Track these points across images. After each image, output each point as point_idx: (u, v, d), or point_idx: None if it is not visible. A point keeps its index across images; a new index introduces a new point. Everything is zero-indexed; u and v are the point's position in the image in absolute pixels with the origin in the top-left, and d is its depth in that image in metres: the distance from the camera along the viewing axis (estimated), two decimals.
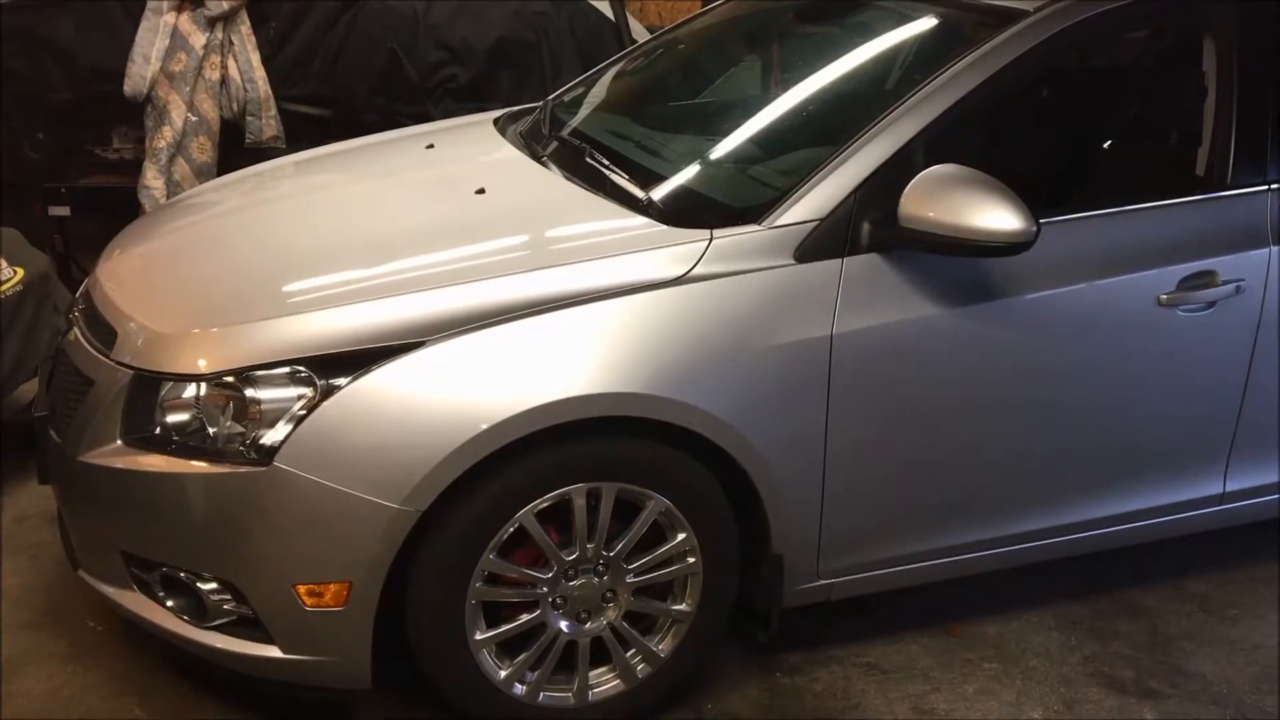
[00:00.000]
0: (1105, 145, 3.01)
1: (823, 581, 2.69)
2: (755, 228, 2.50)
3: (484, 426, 2.23)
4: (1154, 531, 2.99)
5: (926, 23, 2.99)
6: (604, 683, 2.57)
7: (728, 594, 2.60)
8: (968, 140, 2.69)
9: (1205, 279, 2.76)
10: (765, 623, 2.66)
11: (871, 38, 3.08)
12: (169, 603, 2.46)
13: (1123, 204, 2.75)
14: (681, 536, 2.49)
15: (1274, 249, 2.81)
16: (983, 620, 3.00)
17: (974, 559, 2.84)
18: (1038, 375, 2.70)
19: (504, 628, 2.44)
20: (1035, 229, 2.39)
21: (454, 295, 2.34)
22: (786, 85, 3.24)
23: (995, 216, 2.38)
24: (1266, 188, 2.83)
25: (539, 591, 2.44)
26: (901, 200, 2.45)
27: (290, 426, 2.25)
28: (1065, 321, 2.69)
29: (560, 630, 2.48)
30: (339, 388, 2.26)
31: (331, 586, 2.30)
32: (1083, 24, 2.73)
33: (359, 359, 2.28)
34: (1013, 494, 2.81)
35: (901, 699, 2.71)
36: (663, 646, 2.57)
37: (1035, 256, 2.54)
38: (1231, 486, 3.00)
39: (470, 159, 3.28)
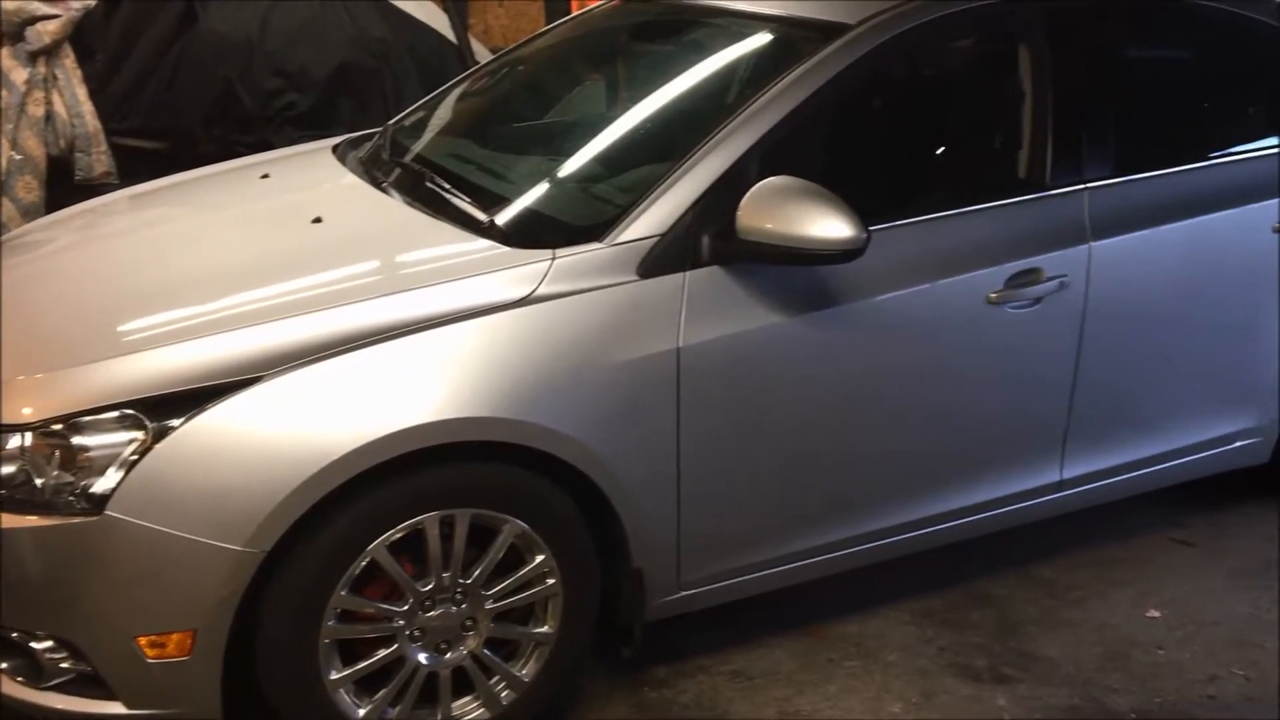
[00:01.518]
0: (934, 152, 3.11)
1: (684, 593, 2.71)
2: (597, 246, 2.51)
3: (326, 461, 2.18)
4: (1000, 521, 3.10)
5: (758, 39, 3.05)
6: (468, 712, 2.53)
7: (590, 612, 2.59)
8: (802, 152, 2.75)
9: (1031, 276, 2.88)
10: (630, 638, 2.66)
11: (707, 55, 3.12)
12: (1, 664, 2.33)
13: (951, 208, 2.85)
14: (540, 558, 2.48)
15: (1092, 244, 2.95)
16: (843, 620, 3.06)
17: (832, 559, 2.89)
18: (879, 377, 2.77)
19: (360, 665, 2.38)
20: (865, 236, 2.46)
21: (289, 328, 2.28)
22: (627, 104, 3.27)
23: (827, 225, 2.45)
24: (1083, 186, 2.98)
25: (395, 625, 2.39)
26: (738, 213, 2.49)
27: (121, 473, 2.16)
28: (902, 323, 2.77)
29: (420, 663, 2.44)
30: (172, 429, 2.18)
31: (174, 636, 2.22)
32: (902, 36, 2.83)
33: (193, 398, 2.21)
34: (864, 493, 2.88)
35: (767, 703, 2.75)
36: (526, 671, 2.55)
37: (871, 262, 2.61)
38: (1068, 474, 3.13)
39: (307, 187, 3.21)
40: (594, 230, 2.54)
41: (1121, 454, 3.20)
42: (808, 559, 2.85)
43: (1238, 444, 3.39)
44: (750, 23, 3.13)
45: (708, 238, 2.54)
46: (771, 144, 2.64)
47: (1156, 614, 3.09)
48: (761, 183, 2.50)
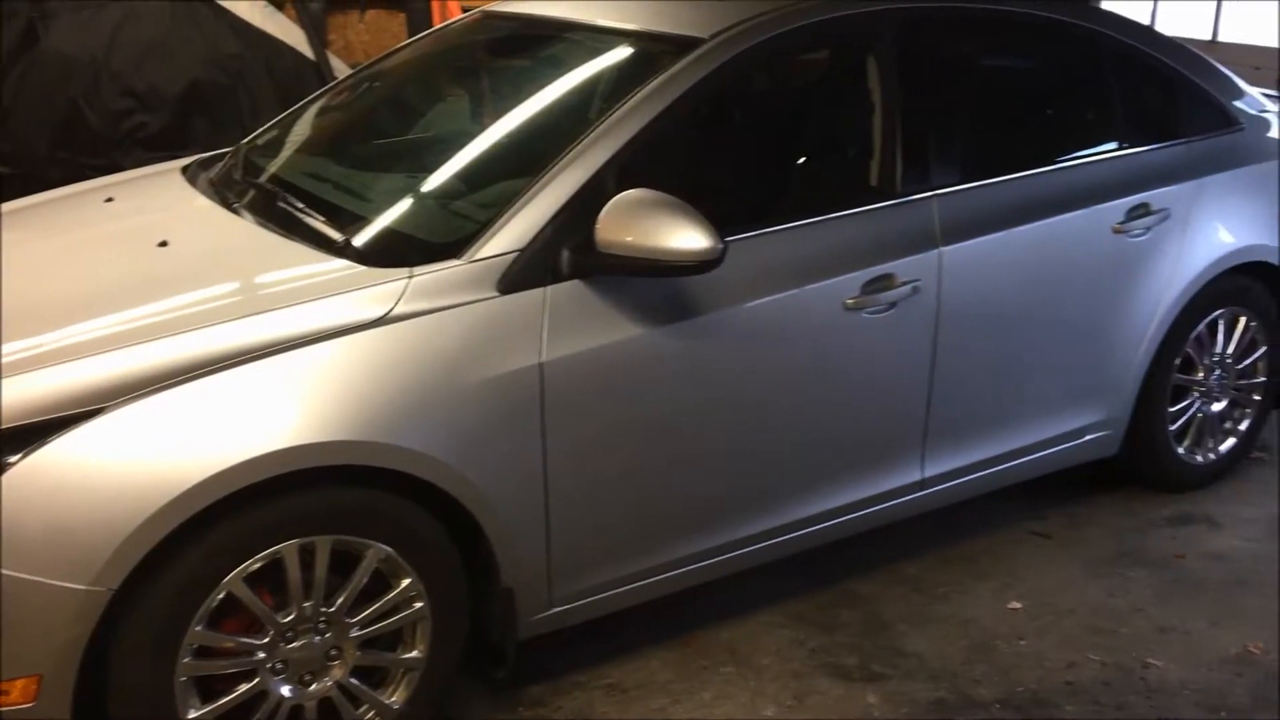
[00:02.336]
0: (790, 162, 3.17)
1: (557, 609, 2.69)
2: (456, 262, 2.48)
3: (175, 493, 2.10)
4: (866, 521, 3.17)
5: (615, 53, 3.07)
6: None
7: (460, 635, 2.56)
8: (661, 164, 2.78)
9: (885, 282, 2.95)
10: (502, 658, 2.63)
11: (565, 69, 3.13)
12: None
13: (807, 216, 2.91)
14: (406, 582, 2.44)
15: (942, 249, 3.04)
16: (717, 626, 3.08)
17: (704, 567, 2.91)
18: (743, 385, 2.81)
19: (220, 702, 2.30)
20: (722, 247, 2.49)
21: (133, 355, 2.20)
22: (486, 119, 3.27)
23: (684, 237, 2.47)
24: (932, 193, 3.07)
25: (256, 658, 2.32)
26: (597, 227, 2.50)
27: None
28: (764, 331, 2.81)
29: (283, 696, 2.37)
30: (9, 465, 2.08)
31: (18, 683, 2.11)
32: (754, 49, 2.88)
33: (31, 433, 2.11)
34: (733, 501, 2.90)
35: (643, 715, 2.75)
36: (396, 698, 2.50)
37: (732, 271, 2.65)
38: (929, 472, 3.22)
39: (154, 210, 3.10)
40: (452, 247, 2.52)
41: (979, 451, 3.30)
42: (680, 568, 2.87)
43: (1088, 438, 3.53)
44: (607, 37, 3.15)
45: (568, 252, 2.54)
46: (629, 157, 2.65)
47: (1018, 605, 3.20)
48: (619, 196, 2.51)
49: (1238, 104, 3.74)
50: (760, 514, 2.95)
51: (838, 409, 3.00)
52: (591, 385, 2.57)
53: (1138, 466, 3.72)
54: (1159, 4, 5.93)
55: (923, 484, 3.22)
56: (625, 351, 2.60)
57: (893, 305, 2.96)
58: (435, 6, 5.91)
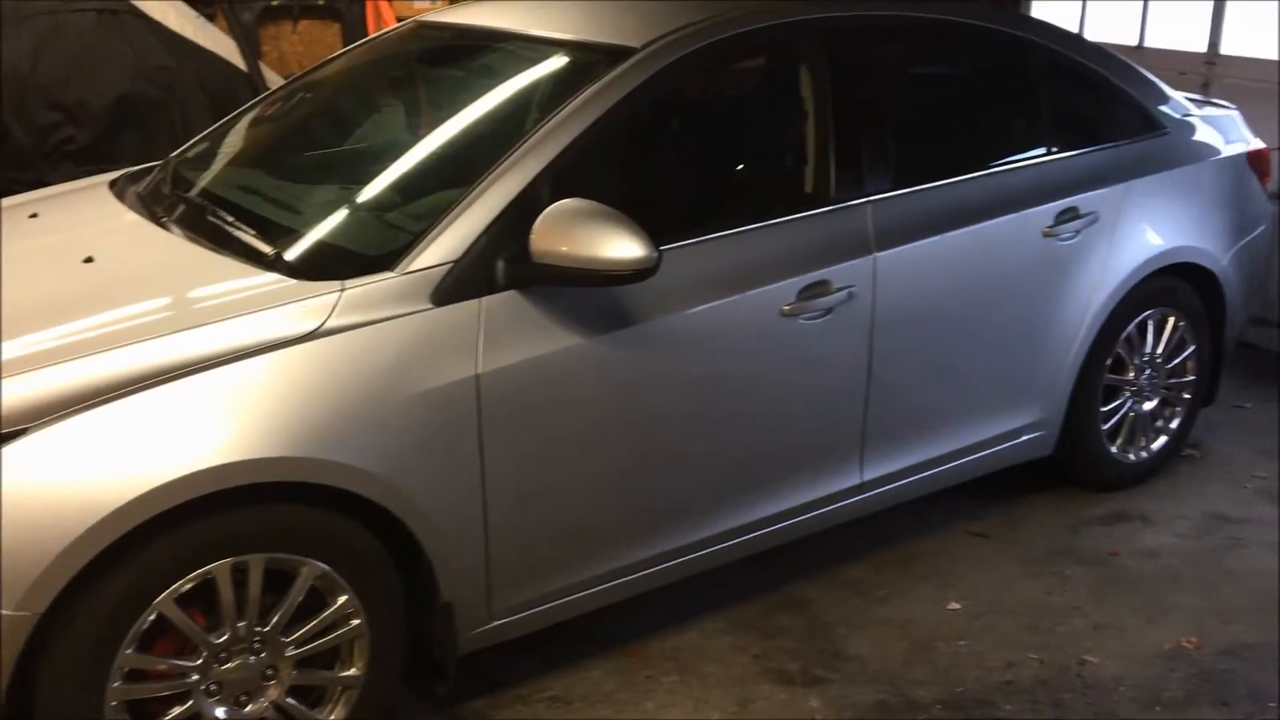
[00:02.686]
0: (725, 170, 3.18)
1: (498, 622, 2.67)
2: (389, 275, 2.46)
3: (102, 514, 2.06)
4: (807, 526, 3.18)
5: (549, 63, 3.06)
6: None
7: (398, 651, 2.53)
8: (596, 173, 2.78)
9: (821, 288, 2.97)
10: (443, 673, 2.61)
11: (499, 79, 3.12)
12: None
13: (743, 224, 2.92)
14: (343, 599, 2.41)
15: (876, 255, 3.07)
16: (660, 635, 3.07)
17: (646, 576, 2.91)
18: (682, 393, 2.81)
19: None
20: (657, 256, 2.49)
21: (57, 374, 2.16)
22: (419, 129, 3.25)
23: (619, 246, 2.47)
24: (866, 200, 3.09)
25: (189, 681, 2.28)
26: (531, 237, 2.49)
27: None
28: (701, 339, 2.81)
29: (218, 718, 2.33)
30: None
31: None
32: (687, 58, 2.89)
33: None
34: (674, 509, 2.90)
35: None
36: (334, 716, 2.47)
37: (670, 279, 2.66)
38: (868, 476, 3.24)
39: (80, 226, 3.04)
40: (385, 259, 2.50)
41: (917, 454, 3.33)
42: (622, 578, 2.86)
43: (1024, 438, 3.58)
44: (541, 47, 3.14)
45: (503, 262, 2.53)
46: (563, 167, 2.65)
47: (957, 606, 3.23)
48: (553, 206, 2.50)
49: (1163, 109, 3.82)
50: (701, 521, 2.96)
51: (776, 415, 3.01)
52: (529, 396, 2.56)
53: (1073, 466, 3.78)
54: (1088, 9, 6.03)
55: (862, 487, 3.24)
56: (562, 362, 2.59)
57: (829, 311, 2.98)
58: (370, 16, 5.86)
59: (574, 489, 2.69)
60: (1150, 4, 5.65)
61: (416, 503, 2.43)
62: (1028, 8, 6.42)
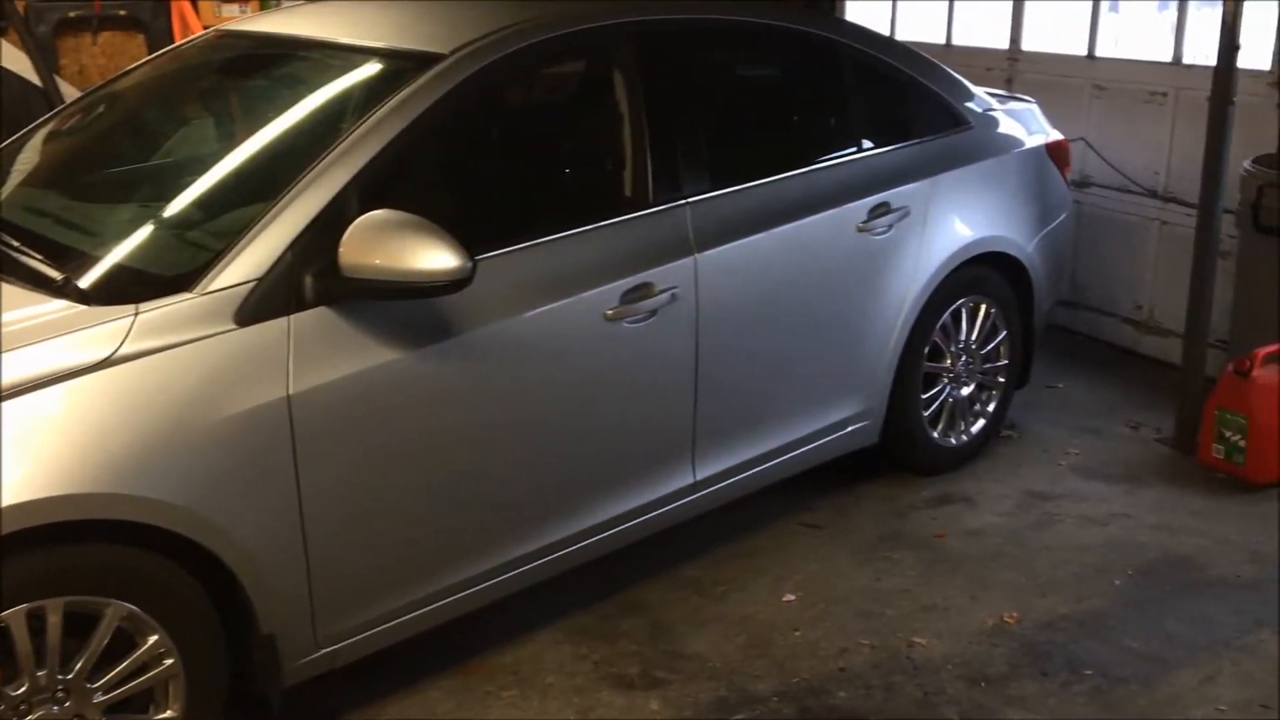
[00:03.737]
0: (543, 176, 3.16)
1: (325, 650, 2.58)
2: (187, 296, 2.35)
3: None
4: (643, 529, 3.18)
5: (356, 71, 2.98)
6: None
7: (219, 688, 2.42)
8: (408, 183, 2.72)
9: (644, 291, 2.97)
10: (269, 707, 2.51)
11: (305, 89, 3.04)
12: None
13: (563, 230, 2.90)
14: (153, 639, 2.29)
15: (697, 256, 3.09)
16: (499, 649, 3.03)
17: (481, 590, 2.86)
18: (508, 402, 2.78)
19: None
20: (471, 265, 2.45)
21: None
22: (221, 142, 3.13)
23: (431, 257, 2.41)
24: (684, 201, 3.11)
25: None
26: (340, 250, 2.41)
27: None
28: (526, 347, 2.79)
29: None
30: None
31: None
32: (497, 64, 2.86)
33: None
34: (506, 520, 2.86)
35: None
36: None
37: (490, 288, 2.64)
38: (701, 475, 3.26)
39: None
40: (184, 280, 2.39)
41: (748, 450, 3.37)
42: (456, 594, 2.80)
43: (850, 429, 3.67)
44: (348, 55, 3.06)
45: (311, 278, 2.45)
46: (372, 177, 2.58)
47: (792, 597, 3.28)
48: (361, 217, 2.44)
49: (968, 104, 3.97)
50: (535, 531, 2.93)
51: (605, 420, 3.00)
52: (345, 415, 2.48)
53: (898, 453, 3.89)
54: (898, 10, 6.23)
55: (695, 487, 3.26)
56: (380, 378, 2.52)
57: (653, 313, 2.99)
58: (177, 26, 5.63)
59: (399, 508, 2.63)
60: (956, 5, 5.88)
61: (228, 532, 2.32)
62: (842, 9, 6.61)
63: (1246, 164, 4.18)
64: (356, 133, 2.61)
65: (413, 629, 2.75)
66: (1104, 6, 5.17)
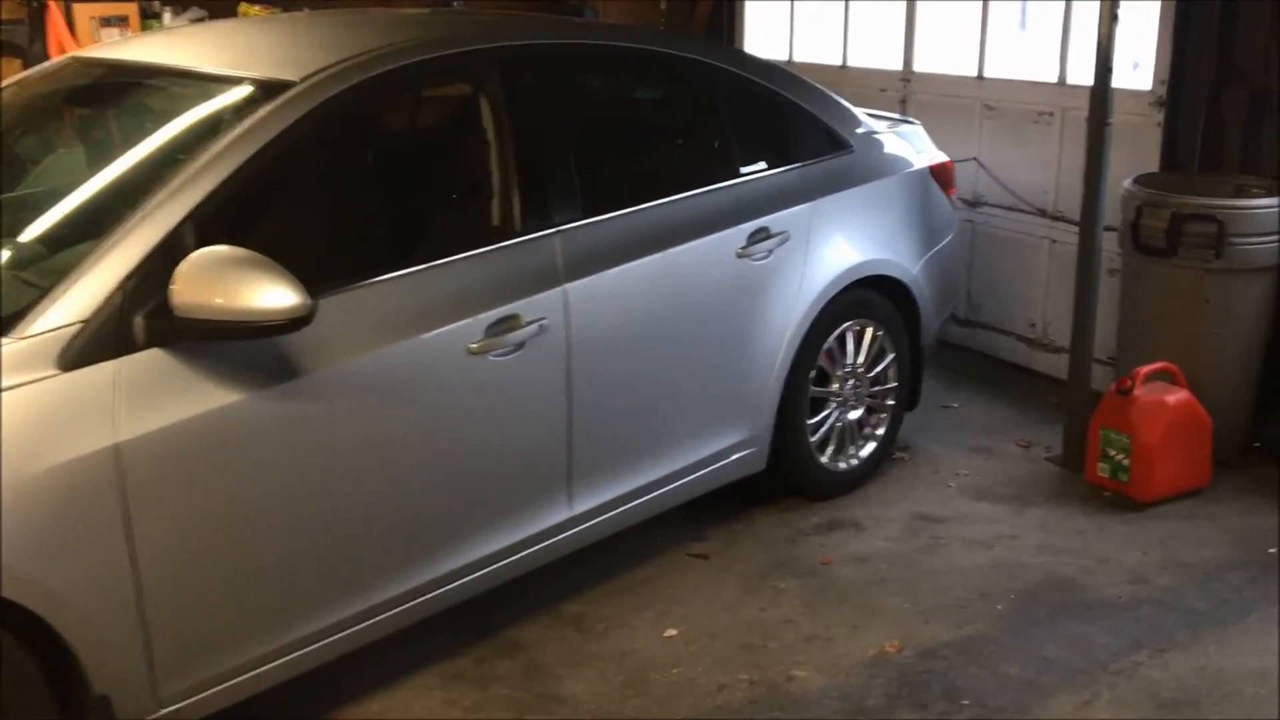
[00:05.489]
0: (404, 206, 3.07)
1: (168, 709, 2.45)
2: (3, 341, 2.22)
3: None
4: (518, 566, 3.09)
5: (202, 99, 2.86)
6: None
7: None
8: (251, 217, 2.61)
9: (510, 323, 2.89)
10: None
11: (152, 118, 2.92)
12: None
13: (423, 262, 2.81)
14: None
15: (567, 286, 3.02)
16: (366, 698, 2.92)
17: (344, 638, 2.75)
18: (366, 442, 2.67)
19: None
20: (311, 303, 2.35)
21: None
22: (65, 175, 2.98)
23: (269, 294, 2.31)
24: (554, 230, 3.04)
25: None
26: (171, 289, 2.30)
27: None
28: (384, 384, 2.69)
29: None
30: None
31: None
32: (350, 91, 2.76)
33: None
34: (367, 564, 2.76)
35: None
36: None
37: (343, 324, 2.55)
38: (579, 509, 3.18)
39: None
40: (4, 323, 2.25)
41: (628, 482, 3.30)
42: (315, 643, 2.69)
43: (735, 456, 3.61)
44: (199, 83, 2.95)
45: (143, 319, 2.33)
46: (213, 211, 2.48)
47: (674, 632, 3.21)
48: (193, 255, 2.33)
49: (848, 127, 3.95)
50: (401, 573, 2.83)
51: (473, 456, 2.91)
52: (182, 463, 2.37)
53: (787, 478, 3.85)
54: (795, 33, 6.24)
55: (573, 521, 3.18)
56: (220, 422, 2.41)
57: (520, 346, 2.91)
58: (54, 51, 5.44)
59: (246, 559, 2.51)
60: (851, 27, 5.89)
61: (52, 590, 2.20)
62: (740, 31, 6.60)
63: (1127, 183, 4.22)
64: (195, 165, 2.51)
65: (268, 681, 2.63)
66: (1014, 25, 5.20)
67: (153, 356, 2.34)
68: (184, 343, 2.37)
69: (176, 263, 2.33)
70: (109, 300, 2.31)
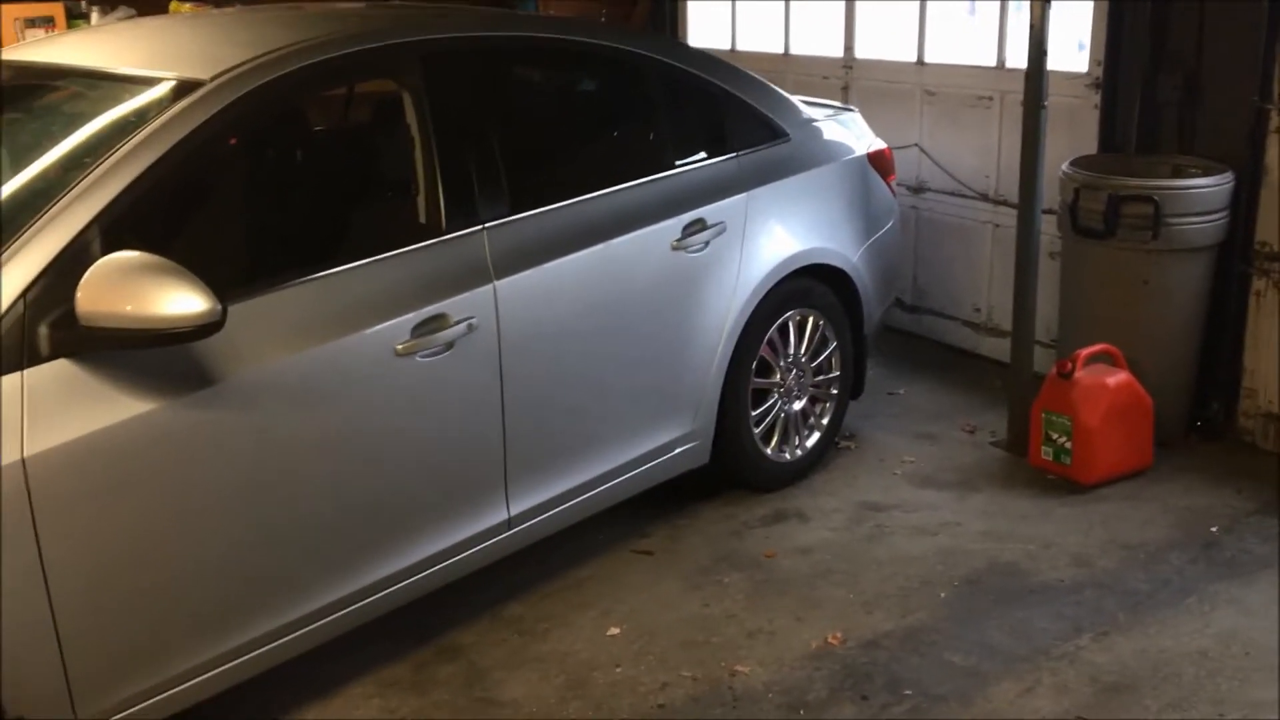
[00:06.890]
0: (324, 206, 3.00)
1: None
2: None
3: None
4: (455, 570, 3.04)
5: (108, 100, 2.77)
6: None
7: None
8: (161, 221, 2.54)
9: (438, 323, 2.84)
10: None
11: (58, 121, 2.86)
12: None
13: (344, 262, 2.75)
14: None
15: (497, 283, 2.97)
16: (301, 707, 2.86)
17: (277, 648, 2.69)
18: (288, 447, 2.61)
19: None
20: (221, 308, 2.29)
21: None
22: None
23: (176, 301, 2.25)
24: (481, 227, 2.98)
25: None
26: (76, 298, 2.23)
27: None
28: (307, 388, 2.63)
29: None
30: None
31: None
32: (264, 89, 2.69)
33: None
34: (297, 573, 2.70)
35: None
36: None
37: (260, 329, 2.49)
38: (516, 510, 3.13)
39: None
40: None
41: (566, 480, 3.26)
42: (246, 654, 2.63)
43: (677, 450, 3.57)
44: (108, 83, 2.86)
45: (47, 328, 2.26)
46: (119, 216, 2.40)
47: (617, 631, 3.17)
48: (97, 263, 2.26)
49: (785, 116, 3.91)
50: (333, 580, 2.77)
51: (403, 460, 2.86)
52: (93, 475, 2.30)
53: (731, 471, 3.81)
54: (738, 21, 6.20)
55: (510, 522, 3.13)
56: (132, 432, 2.34)
57: (450, 346, 2.86)
58: None
59: (166, 570, 2.45)
60: (792, 14, 5.86)
61: None
62: (683, 20, 6.56)
63: (1064, 166, 4.21)
64: (100, 168, 2.43)
65: (196, 696, 2.57)
66: (964, 8, 5.17)
67: (59, 367, 2.27)
68: (92, 353, 2.30)
69: (81, 270, 2.26)
70: (11, 310, 2.24)
